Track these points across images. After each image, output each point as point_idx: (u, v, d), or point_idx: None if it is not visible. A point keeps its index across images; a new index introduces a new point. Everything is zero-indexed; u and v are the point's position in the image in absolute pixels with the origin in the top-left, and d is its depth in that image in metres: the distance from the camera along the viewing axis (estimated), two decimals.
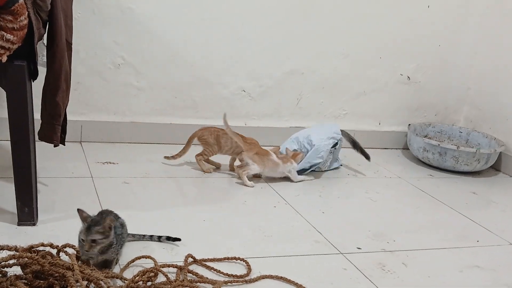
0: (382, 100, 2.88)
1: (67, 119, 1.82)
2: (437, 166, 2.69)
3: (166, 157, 2.28)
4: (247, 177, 2.17)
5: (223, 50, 2.52)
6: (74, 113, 2.36)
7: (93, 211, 1.75)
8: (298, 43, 2.62)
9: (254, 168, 2.19)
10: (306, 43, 2.64)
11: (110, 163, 2.22)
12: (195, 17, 2.43)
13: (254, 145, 2.25)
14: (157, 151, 2.43)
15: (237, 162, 2.29)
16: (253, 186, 2.17)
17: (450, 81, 2.98)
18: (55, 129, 1.70)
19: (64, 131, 1.78)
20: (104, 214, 1.44)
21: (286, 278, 1.50)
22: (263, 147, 2.28)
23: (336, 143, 2.43)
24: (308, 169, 2.38)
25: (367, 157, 2.55)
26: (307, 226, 1.88)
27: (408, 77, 2.89)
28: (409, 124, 2.88)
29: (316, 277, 1.54)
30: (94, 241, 1.33)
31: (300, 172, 2.34)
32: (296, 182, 2.28)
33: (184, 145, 2.28)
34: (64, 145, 1.82)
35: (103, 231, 1.34)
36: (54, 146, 1.75)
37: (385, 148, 2.95)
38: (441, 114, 3.05)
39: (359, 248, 1.76)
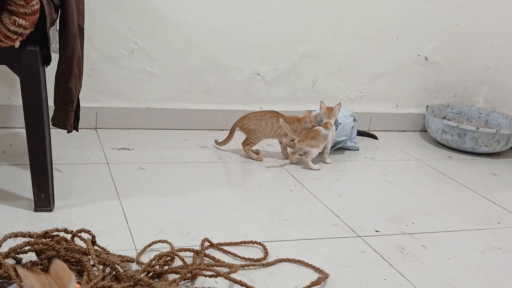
0: (399, 81, 2.83)
1: (80, 105, 1.81)
2: (456, 148, 2.64)
3: (216, 142, 2.31)
4: (312, 162, 2.22)
5: (237, 34, 2.49)
6: (89, 99, 2.36)
7: (108, 196, 1.76)
8: (313, 25, 2.58)
9: (315, 152, 2.21)
10: (321, 25, 2.59)
11: (125, 149, 2.22)
12: (208, 1, 2.40)
13: (306, 134, 2.22)
14: (172, 136, 2.42)
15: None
16: (319, 169, 2.21)
17: (468, 61, 2.92)
18: (68, 115, 1.70)
19: (77, 117, 1.78)
20: None
21: (304, 262, 1.48)
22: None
23: (354, 120, 2.46)
24: (333, 146, 2.39)
25: (374, 137, 2.69)
26: (324, 209, 1.86)
27: (426, 58, 2.83)
28: (427, 106, 2.83)
29: (334, 261, 1.53)
30: None
31: None
32: (328, 163, 2.29)
33: (227, 134, 2.27)
34: (78, 131, 1.82)
35: None
36: (68, 132, 1.75)
37: (403, 131, 2.91)
38: (459, 95, 2.99)
39: (377, 231, 1.74)
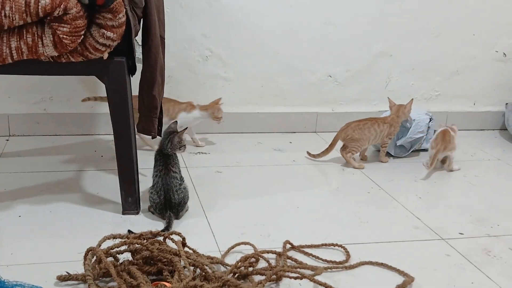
0: (476, 79, 2.74)
1: (163, 111, 1.88)
2: None
3: (309, 153, 2.26)
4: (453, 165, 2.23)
5: (310, 36, 2.50)
6: None
7: (190, 199, 1.81)
8: (386, 25, 2.55)
9: (454, 154, 2.21)
10: (394, 24, 2.56)
11: (202, 153, 2.28)
12: (282, 4, 2.43)
13: (440, 139, 2.18)
14: (246, 140, 2.46)
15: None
16: (459, 169, 2.22)
17: None
18: (153, 121, 1.76)
19: (160, 123, 1.85)
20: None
21: (387, 265, 1.46)
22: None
23: (430, 120, 2.39)
24: (411, 147, 2.34)
25: None
26: (404, 211, 1.83)
27: (504, 54, 2.73)
28: (507, 103, 2.72)
29: (418, 264, 1.50)
30: None
31: (402, 151, 2.31)
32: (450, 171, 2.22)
33: (327, 146, 2.23)
34: (161, 136, 1.88)
35: None
36: (152, 138, 1.82)
37: (481, 130, 2.81)
38: None
39: (461, 234, 1.69)
